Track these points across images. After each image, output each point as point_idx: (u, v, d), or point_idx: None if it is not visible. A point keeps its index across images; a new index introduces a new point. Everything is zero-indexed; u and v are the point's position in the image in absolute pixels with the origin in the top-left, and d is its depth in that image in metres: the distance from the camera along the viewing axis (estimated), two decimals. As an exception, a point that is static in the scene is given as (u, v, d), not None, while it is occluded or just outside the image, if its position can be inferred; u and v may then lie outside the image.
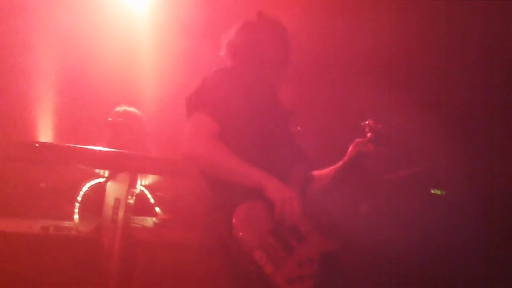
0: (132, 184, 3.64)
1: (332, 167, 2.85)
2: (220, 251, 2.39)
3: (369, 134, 2.76)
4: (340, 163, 2.82)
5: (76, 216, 3.63)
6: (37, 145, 3.49)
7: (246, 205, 2.35)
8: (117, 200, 3.52)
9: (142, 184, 3.85)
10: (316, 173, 2.83)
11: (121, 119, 3.93)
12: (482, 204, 3.94)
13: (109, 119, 3.96)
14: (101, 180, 3.69)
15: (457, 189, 4.07)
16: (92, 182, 3.71)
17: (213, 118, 2.42)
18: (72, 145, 3.53)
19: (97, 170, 3.68)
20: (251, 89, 2.58)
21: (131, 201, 3.63)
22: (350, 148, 2.81)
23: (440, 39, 4.49)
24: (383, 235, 3.90)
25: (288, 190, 2.38)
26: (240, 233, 2.28)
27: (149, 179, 3.86)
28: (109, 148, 3.70)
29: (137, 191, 3.75)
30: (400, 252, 3.87)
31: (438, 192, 4.00)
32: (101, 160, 3.58)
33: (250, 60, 2.71)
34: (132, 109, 4.25)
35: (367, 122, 2.79)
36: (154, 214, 3.85)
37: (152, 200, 3.86)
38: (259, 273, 2.27)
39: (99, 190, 3.63)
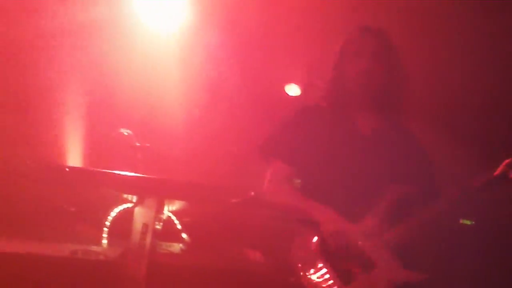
0: (159, 210, 3.62)
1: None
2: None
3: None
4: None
5: (104, 241, 3.64)
6: (67, 169, 3.48)
7: (309, 235, 2.46)
8: (144, 225, 3.45)
9: (169, 209, 3.84)
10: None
11: (148, 144, 3.92)
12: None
13: (137, 144, 3.94)
14: (129, 205, 3.67)
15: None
16: (121, 207, 3.73)
17: (285, 162, 2.64)
18: (101, 170, 3.52)
19: (125, 195, 3.68)
20: (328, 131, 2.64)
21: (158, 227, 3.61)
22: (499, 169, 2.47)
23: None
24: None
25: (337, 222, 2.41)
26: (294, 259, 2.43)
27: (176, 205, 3.85)
28: (137, 173, 3.70)
29: (164, 216, 3.75)
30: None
31: (468, 222, 3.86)
32: (129, 185, 3.58)
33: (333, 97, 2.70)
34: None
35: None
36: (180, 239, 3.84)
37: (179, 226, 3.85)
38: None
39: (127, 215, 3.61)
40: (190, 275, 3.66)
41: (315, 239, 2.45)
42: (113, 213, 3.70)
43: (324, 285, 2.33)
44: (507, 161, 2.40)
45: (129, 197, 3.64)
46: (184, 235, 3.85)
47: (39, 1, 4.35)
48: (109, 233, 3.66)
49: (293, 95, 5.43)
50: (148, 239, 3.45)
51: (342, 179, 2.54)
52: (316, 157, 2.59)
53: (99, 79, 4.70)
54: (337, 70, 2.66)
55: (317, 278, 2.36)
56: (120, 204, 3.74)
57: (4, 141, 4.05)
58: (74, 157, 4.41)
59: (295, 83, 5.39)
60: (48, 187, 3.56)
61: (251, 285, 3.57)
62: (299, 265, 2.40)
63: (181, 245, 3.81)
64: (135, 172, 3.60)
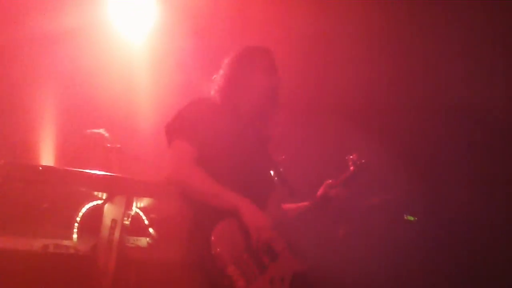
0: (128, 207, 3.72)
1: (301, 204, 2.93)
2: (198, 267, 2.45)
3: (351, 167, 2.89)
4: (308, 203, 2.91)
5: (75, 236, 3.70)
6: (40, 168, 3.55)
7: (223, 224, 2.45)
8: (113, 221, 3.57)
9: (137, 206, 3.92)
10: (287, 206, 2.93)
11: (119, 145, 4.02)
12: (450, 228, 4.07)
13: (108, 145, 4.04)
14: (99, 202, 3.77)
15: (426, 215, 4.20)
16: (91, 204, 3.80)
17: (192, 144, 2.53)
18: (72, 168, 3.61)
19: (95, 193, 3.76)
20: (227, 118, 2.68)
21: (127, 222, 3.70)
22: (320, 190, 2.90)
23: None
24: (358, 258, 4.01)
25: (262, 217, 2.49)
26: (217, 250, 2.37)
27: (143, 202, 3.94)
28: (108, 172, 3.78)
29: (132, 213, 3.83)
30: (371, 274, 3.97)
31: (411, 218, 4.13)
32: (99, 183, 3.66)
33: (230, 92, 2.78)
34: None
35: (351, 157, 2.92)
36: (148, 234, 3.93)
37: (146, 222, 3.94)
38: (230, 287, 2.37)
39: (97, 211, 3.70)
40: (156, 268, 3.76)
41: (235, 227, 2.45)
42: (84, 209, 3.76)
43: (248, 274, 2.41)
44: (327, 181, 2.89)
45: (99, 194, 3.73)
46: (151, 230, 3.94)
47: (18, 9, 4.42)
48: (79, 228, 3.71)
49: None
50: (117, 234, 3.56)
51: (244, 172, 2.62)
52: (219, 146, 2.59)
53: (72, 82, 4.76)
54: (248, 82, 2.78)
55: (242, 267, 2.41)
56: (91, 201, 3.80)
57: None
58: (47, 157, 4.46)
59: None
60: (21, 185, 3.60)
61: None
62: (221, 254, 2.38)
63: (148, 239, 3.92)
64: (106, 171, 3.70)
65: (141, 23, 5.00)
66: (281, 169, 2.83)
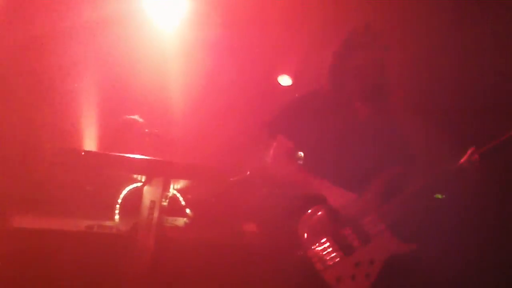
0: (166, 188, 3.79)
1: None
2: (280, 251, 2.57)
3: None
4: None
5: (116, 217, 3.79)
6: (83, 153, 3.62)
7: (313, 210, 2.54)
8: (152, 202, 3.63)
9: (174, 188, 3.98)
10: None
11: (157, 130, 4.07)
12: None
13: (146, 130, 4.09)
14: (139, 184, 3.84)
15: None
16: (131, 186, 3.88)
17: (289, 138, 2.71)
18: (113, 153, 3.67)
19: (135, 176, 3.82)
20: (324, 111, 2.73)
21: (165, 203, 3.78)
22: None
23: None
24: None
25: (348, 196, 2.51)
26: (301, 235, 2.47)
27: (180, 184, 3.99)
28: (146, 155, 3.84)
29: (170, 194, 3.91)
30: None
31: (439, 196, 4.00)
32: (138, 167, 3.73)
33: (333, 86, 2.78)
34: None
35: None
36: (184, 214, 3.99)
37: (183, 203, 4.00)
38: (311, 270, 2.42)
39: (136, 193, 3.77)
40: (193, 247, 3.81)
41: (321, 213, 2.51)
42: (125, 191, 3.84)
43: (328, 257, 2.42)
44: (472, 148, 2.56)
45: (139, 177, 3.79)
46: (188, 211, 4.00)
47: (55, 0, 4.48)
48: (121, 210, 3.80)
49: (285, 85, 5.55)
50: (156, 215, 3.63)
51: (340, 159, 2.64)
52: (316, 137, 2.68)
53: (110, 71, 4.82)
54: (338, 62, 2.76)
55: (322, 251, 2.43)
56: (131, 184, 3.88)
57: (25, 128, 4.18)
58: (90, 142, 4.54)
59: (287, 74, 5.52)
60: (67, 169, 3.68)
61: (248, 257, 3.74)
62: (305, 239, 2.45)
63: (185, 219, 3.98)
64: (144, 155, 3.75)
65: (174, 11, 5.01)
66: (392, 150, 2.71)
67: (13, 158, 3.87)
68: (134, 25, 4.88)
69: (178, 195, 4.01)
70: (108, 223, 3.75)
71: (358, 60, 2.71)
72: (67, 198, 3.70)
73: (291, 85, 5.49)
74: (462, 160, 2.56)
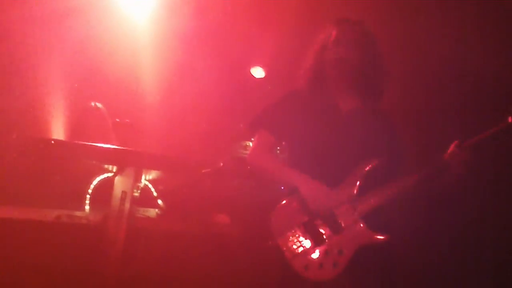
0: (137, 179, 3.73)
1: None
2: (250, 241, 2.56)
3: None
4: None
5: (87, 207, 3.72)
6: (52, 141, 3.54)
7: (286, 201, 2.55)
8: (123, 193, 3.57)
9: (146, 178, 3.94)
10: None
11: (128, 120, 4.00)
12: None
13: (117, 119, 4.02)
14: (110, 174, 3.79)
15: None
16: (102, 176, 3.83)
17: (271, 133, 2.74)
18: (84, 142, 3.59)
19: (106, 166, 3.77)
20: (310, 111, 2.72)
21: (136, 194, 3.72)
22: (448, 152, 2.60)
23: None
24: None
25: (321, 190, 2.51)
26: (271, 224, 2.49)
27: (152, 174, 3.95)
28: (116, 145, 3.77)
29: (141, 185, 3.86)
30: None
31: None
32: (109, 157, 3.66)
33: (315, 83, 2.76)
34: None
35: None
36: (156, 205, 3.95)
37: (155, 193, 3.96)
38: (281, 259, 2.43)
39: (107, 183, 3.73)
40: (164, 238, 3.80)
41: (293, 203, 2.51)
42: (95, 181, 3.78)
43: (297, 246, 2.43)
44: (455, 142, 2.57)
45: (110, 167, 3.73)
46: (159, 202, 3.97)
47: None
48: (91, 200, 3.74)
49: (258, 77, 5.54)
50: (127, 205, 3.56)
51: (321, 152, 2.62)
52: (299, 133, 2.68)
53: (81, 59, 4.72)
54: (317, 58, 2.74)
55: (291, 240, 2.44)
56: (102, 174, 3.81)
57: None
58: (58, 131, 4.44)
59: (260, 66, 5.51)
60: (36, 158, 3.59)
61: (220, 247, 3.73)
62: (276, 229, 2.46)
63: (156, 210, 3.95)
64: (116, 145, 3.69)
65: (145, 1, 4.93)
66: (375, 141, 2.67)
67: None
68: (105, 12, 4.78)
69: (150, 185, 3.99)
70: (78, 213, 3.68)
71: (336, 53, 2.67)
72: (35, 188, 3.61)
73: (264, 77, 5.49)
74: (446, 154, 2.57)
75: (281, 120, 2.74)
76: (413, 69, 4.30)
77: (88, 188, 3.75)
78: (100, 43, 4.76)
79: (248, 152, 2.86)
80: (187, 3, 4.85)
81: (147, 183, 3.96)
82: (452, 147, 2.56)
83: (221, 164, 3.87)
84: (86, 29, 4.69)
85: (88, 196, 3.74)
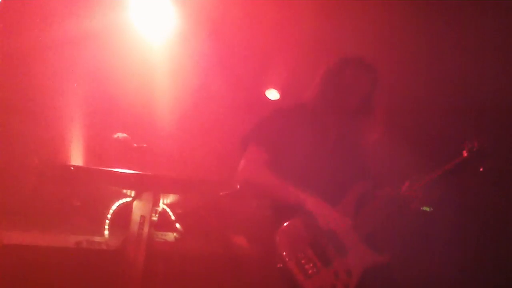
0: (155, 203, 3.72)
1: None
2: (263, 262, 2.61)
3: (465, 153, 2.60)
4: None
5: (106, 232, 3.72)
6: (72, 168, 3.55)
7: (290, 222, 2.52)
8: (142, 217, 3.57)
9: (164, 202, 3.93)
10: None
11: (145, 145, 4.01)
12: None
13: (134, 144, 4.03)
14: (128, 199, 3.79)
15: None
16: (120, 201, 3.83)
17: (264, 149, 2.68)
18: (103, 168, 3.60)
19: (124, 191, 3.78)
20: (301, 124, 2.76)
21: (155, 218, 3.71)
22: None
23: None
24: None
25: (328, 207, 2.52)
26: (280, 245, 2.46)
27: (170, 198, 3.94)
28: (135, 170, 3.78)
29: (159, 209, 3.83)
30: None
31: (427, 209, 4.05)
32: (127, 181, 3.67)
33: (315, 99, 2.83)
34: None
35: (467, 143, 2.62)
36: (174, 229, 3.93)
37: (173, 217, 3.94)
38: (292, 281, 2.42)
39: (126, 208, 3.72)
40: (183, 261, 3.78)
41: (298, 224, 2.50)
42: (114, 206, 3.78)
43: (308, 268, 2.43)
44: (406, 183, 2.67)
45: (128, 192, 3.74)
46: (177, 225, 3.95)
47: (40, 13, 4.41)
48: (110, 225, 3.74)
49: (273, 99, 5.56)
50: (146, 229, 3.55)
51: (314, 172, 2.66)
52: (291, 150, 2.69)
53: (99, 85, 4.77)
54: (324, 83, 2.82)
55: (301, 262, 2.43)
56: (120, 199, 3.82)
57: (14, 142, 4.10)
58: (77, 157, 4.46)
59: (275, 89, 5.53)
60: (55, 184, 3.61)
61: (239, 269, 3.70)
62: (284, 251, 2.45)
63: (175, 234, 3.93)
64: (133, 170, 3.69)
65: (162, 26, 4.97)
66: (363, 165, 2.74)
67: (0, 173, 3.79)
68: (122, 39, 4.84)
69: (168, 209, 3.97)
70: (98, 238, 3.68)
71: (349, 78, 2.76)
72: (56, 214, 3.63)
73: (279, 99, 5.50)
74: (402, 190, 2.69)
75: (273, 138, 2.71)
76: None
77: (107, 213, 3.75)
78: (117, 68, 4.81)
79: (240, 168, 2.70)
80: (203, 27, 4.89)
81: (165, 207, 3.95)
82: (404, 187, 2.67)
83: (238, 186, 3.86)
84: (103, 55, 4.75)
85: (107, 221, 3.74)
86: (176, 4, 4.80)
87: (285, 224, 2.52)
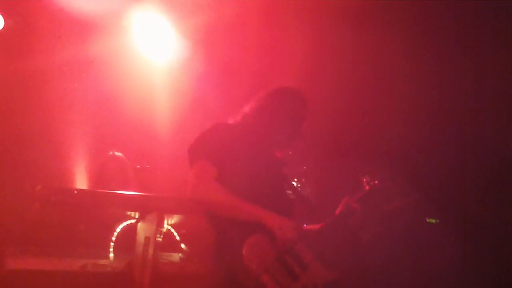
0: (160, 224, 3.71)
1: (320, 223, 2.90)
2: (231, 280, 2.41)
3: (366, 187, 2.99)
4: (328, 219, 2.87)
5: (111, 254, 3.68)
6: (75, 191, 3.54)
7: (253, 237, 2.42)
8: (147, 238, 3.55)
9: (168, 223, 3.90)
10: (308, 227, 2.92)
11: (148, 166, 4.01)
12: (473, 230, 3.98)
13: (137, 166, 4.03)
14: (132, 221, 3.75)
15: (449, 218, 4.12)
16: (125, 223, 3.79)
17: (212, 164, 2.51)
18: (106, 190, 3.60)
19: (128, 212, 3.75)
20: (246, 141, 2.68)
21: (159, 239, 3.69)
22: (339, 207, 2.92)
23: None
24: (383, 261, 3.94)
25: (284, 218, 2.47)
26: (249, 261, 2.36)
27: (174, 219, 3.91)
28: (138, 191, 3.77)
29: (164, 229, 3.82)
30: (396, 277, 3.91)
31: (433, 221, 4.04)
32: (131, 203, 3.65)
33: (256, 119, 2.83)
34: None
35: (364, 179, 3.03)
36: (179, 250, 3.90)
37: (177, 237, 3.91)
38: None
39: (131, 230, 3.69)
40: (189, 282, 3.74)
41: (264, 239, 2.44)
42: (118, 228, 3.75)
43: (281, 282, 2.38)
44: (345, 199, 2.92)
45: (132, 213, 3.71)
46: (182, 246, 3.91)
47: (43, 38, 4.44)
48: (115, 247, 3.70)
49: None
50: (151, 251, 3.54)
51: (260, 190, 2.59)
52: (239, 165, 2.58)
53: (101, 108, 4.77)
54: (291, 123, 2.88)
55: (274, 276, 2.38)
56: (124, 221, 3.79)
57: (17, 169, 4.10)
58: (80, 180, 4.45)
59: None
60: (59, 208, 3.59)
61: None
62: (254, 266, 2.37)
63: (180, 254, 3.89)
64: (136, 191, 3.68)
65: (162, 49, 4.98)
66: (299, 187, 2.86)
67: (4, 199, 3.77)
68: (126, 61, 4.84)
69: (173, 230, 3.94)
70: (103, 261, 3.64)
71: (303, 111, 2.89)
72: (60, 238, 3.60)
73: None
74: (338, 210, 2.90)
75: (221, 152, 2.58)
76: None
77: (112, 235, 3.71)
78: (119, 91, 4.81)
79: (191, 185, 2.52)
80: (204, 49, 4.90)
81: (169, 227, 3.92)
82: (343, 203, 2.91)
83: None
84: (106, 78, 4.76)
85: (112, 243, 3.70)
86: (177, 28, 4.83)
87: (248, 238, 2.42)
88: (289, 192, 2.84)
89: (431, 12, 4.11)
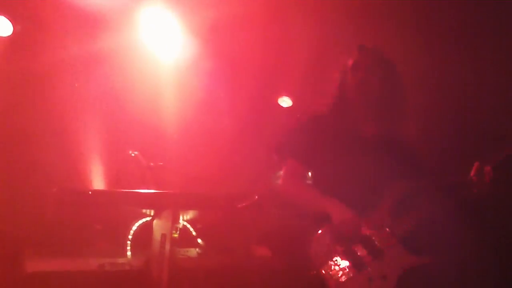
0: (175, 220, 3.67)
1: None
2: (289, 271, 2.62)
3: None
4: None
5: (128, 253, 3.65)
6: (90, 192, 3.51)
7: (323, 230, 2.48)
8: (163, 235, 3.50)
9: (184, 219, 3.86)
10: None
11: (161, 163, 3.95)
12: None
13: (151, 164, 3.98)
14: (148, 218, 3.71)
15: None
16: (140, 221, 3.75)
17: (300, 162, 2.68)
18: (120, 190, 3.55)
19: (143, 210, 3.70)
20: (335, 136, 2.66)
21: (176, 235, 3.64)
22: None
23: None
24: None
25: (346, 212, 2.45)
26: (312, 255, 2.43)
27: (189, 214, 3.86)
28: (153, 189, 3.72)
29: (180, 225, 3.78)
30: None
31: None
32: (146, 201, 3.61)
33: (340, 109, 2.72)
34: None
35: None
36: (196, 245, 3.85)
37: (194, 233, 3.87)
38: None
39: (147, 227, 3.65)
40: (207, 276, 3.68)
41: (330, 231, 2.45)
42: (135, 227, 3.72)
43: (340, 275, 2.35)
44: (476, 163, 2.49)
45: (147, 211, 3.67)
46: (199, 240, 3.87)
47: (51, 35, 4.39)
48: (132, 245, 3.67)
49: (286, 106, 5.48)
50: (167, 247, 3.50)
51: (349, 178, 2.55)
52: (325, 159, 2.62)
53: (113, 106, 4.73)
54: (339, 85, 2.73)
55: (334, 269, 2.37)
56: (140, 219, 3.75)
57: (31, 172, 4.08)
58: (95, 181, 4.42)
59: (287, 96, 5.44)
60: (75, 209, 3.56)
61: (263, 281, 3.60)
62: (317, 258, 2.41)
63: (197, 249, 3.84)
64: (151, 189, 3.63)
65: (170, 45, 4.91)
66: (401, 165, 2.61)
67: (20, 201, 3.76)
68: (134, 59, 4.79)
69: (188, 225, 3.89)
70: (120, 260, 3.59)
71: (359, 79, 2.64)
72: (77, 238, 3.57)
73: (292, 106, 5.40)
74: (471, 174, 2.50)
75: (306, 148, 2.68)
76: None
77: (128, 234, 3.67)
78: (130, 88, 4.77)
79: (281, 183, 2.73)
80: (213, 39, 4.81)
81: (185, 223, 3.87)
82: (475, 168, 2.49)
83: (256, 196, 3.75)
84: (116, 76, 4.72)
85: (129, 242, 3.66)
86: (184, 23, 4.75)
87: (319, 231, 2.48)
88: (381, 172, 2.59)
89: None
